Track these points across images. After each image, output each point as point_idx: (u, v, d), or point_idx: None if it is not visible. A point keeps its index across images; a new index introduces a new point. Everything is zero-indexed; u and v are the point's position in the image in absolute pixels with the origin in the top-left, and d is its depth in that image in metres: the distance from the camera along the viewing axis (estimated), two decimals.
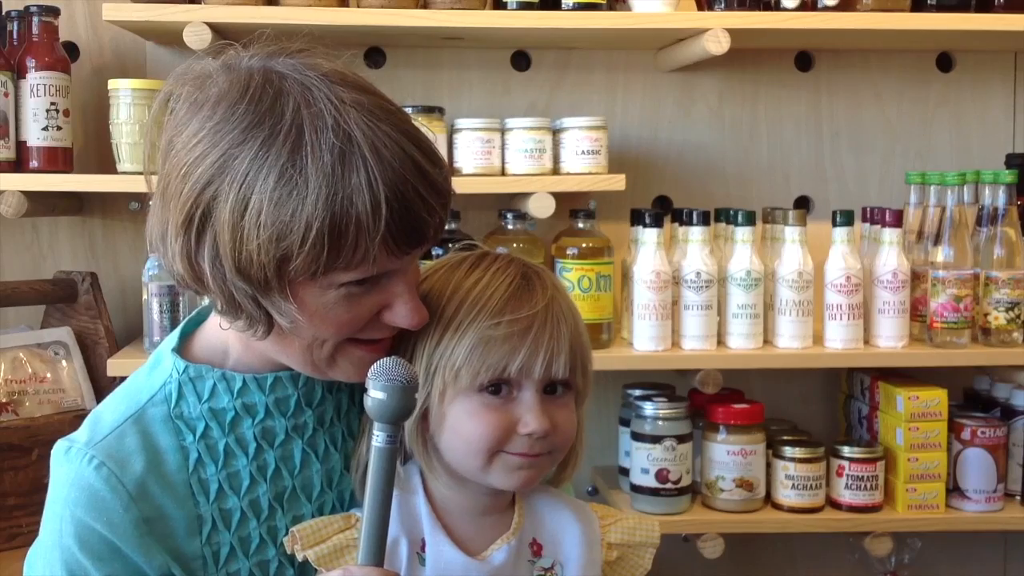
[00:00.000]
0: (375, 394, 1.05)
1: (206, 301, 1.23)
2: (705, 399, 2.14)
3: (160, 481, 1.15)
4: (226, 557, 1.17)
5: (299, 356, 1.14)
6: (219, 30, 1.96)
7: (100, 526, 1.12)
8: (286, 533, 1.18)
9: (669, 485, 2.08)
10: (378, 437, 1.06)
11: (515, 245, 2.14)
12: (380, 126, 1.06)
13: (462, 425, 1.15)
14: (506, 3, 2.08)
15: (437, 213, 1.10)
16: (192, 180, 1.05)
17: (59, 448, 1.17)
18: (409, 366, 1.08)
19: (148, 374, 1.21)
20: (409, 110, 2.01)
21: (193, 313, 1.27)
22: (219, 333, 1.19)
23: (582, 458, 1.26)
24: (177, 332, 1.23)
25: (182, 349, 1.22)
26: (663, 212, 2.17)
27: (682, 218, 2.15)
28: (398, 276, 1.12)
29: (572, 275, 2.11)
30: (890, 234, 2.11)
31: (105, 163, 2.15)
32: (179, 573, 1.15)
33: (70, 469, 1.14)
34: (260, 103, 1.05)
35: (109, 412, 1.19)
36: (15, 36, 2.07)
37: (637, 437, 2.10)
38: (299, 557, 1.16)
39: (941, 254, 2.12)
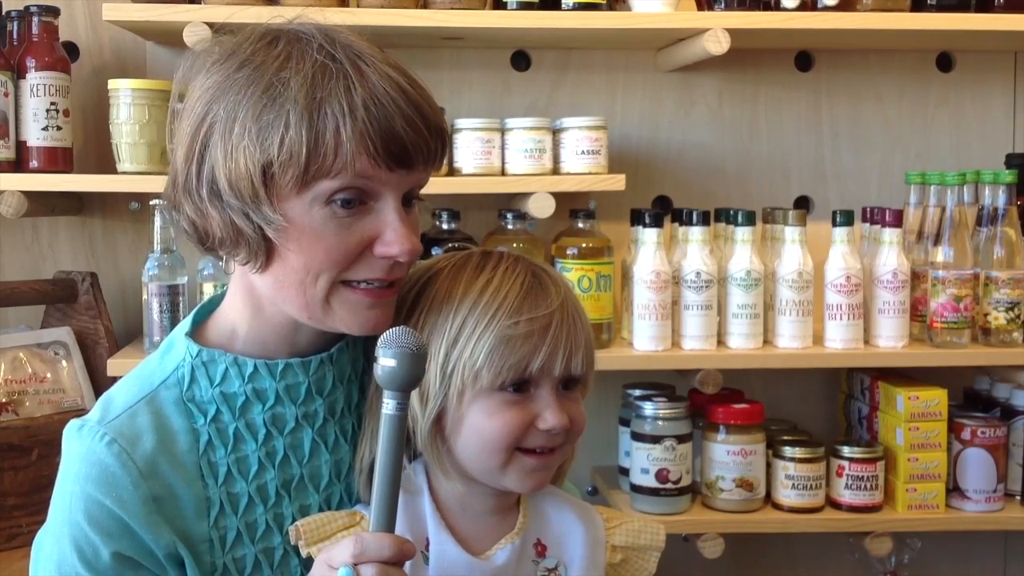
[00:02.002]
0: (385, 362, 1.06)
1: (207, 297, 1.24)
2: (705, 399, 2.14)
3: (170, 460, 1.16)
4: (232, 542, 1.18)
5: (295, 297, 1.14)
6: (219, 30, 1.96)
7: (110, 502, 1.13)
8: (293, 521, 1.18)
9: (669, 485, 2.08)
10: (388, 405, 1.06)
11: (515, 245, 2.14)
12: (365, 53, 1.12)
13: (482, 424, 1.15)
14: (506, 3, 2.08)
15: (419, 131, 1.11)
16: (194, 116, 1.12)
17: (71, 427, 1.18)
18: (418, 334, 1.09)
19: (161, 358, 1.22)
20: None
21: (206, 300, 1.28)
22: (230, 315, 1.21)
23: (576, 455, 1.27)
24: (190, 317, 1.25)
25: (195, 334, 1.23)
26: (663, 212, 2.17)
27: (682, 218, 2.15)
28: (387, 203, 1.13)
29: (572, 275, 2.11)
30: (890, 234, 2.11)
31: (105, 163, 2.15)
32: (186, 554, 1.15)
33: (82, 445, 1.16)
34: (255, 45, 1.12)
35: (122, 394, 1.20)
36: (15, 36, 2.07)
37: (637, 437, 2.10)
38: (303, 553, 1.17)
39: (941, 254, 2.12)
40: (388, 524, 1.07)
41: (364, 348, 1.27)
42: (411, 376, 1.06)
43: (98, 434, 1.15)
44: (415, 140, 1.11)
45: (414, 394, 1.16)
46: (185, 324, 1.24)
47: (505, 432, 1.15)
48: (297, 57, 1.10)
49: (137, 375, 1.22)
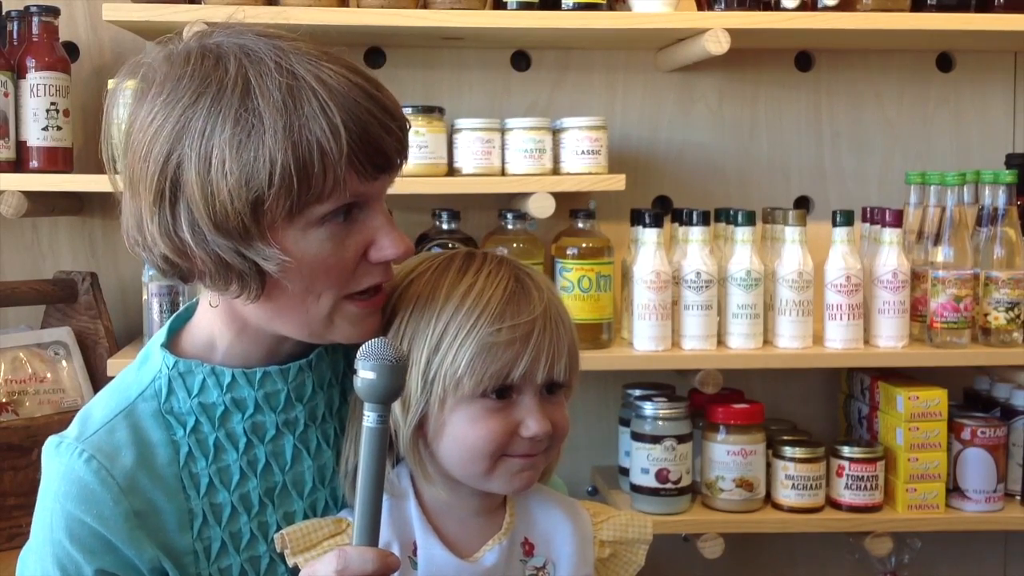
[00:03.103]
0: (365, 374, 1.05)
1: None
2: (705, 399, 2.14)
3: (150, 474, 1.15)
4: (217, 552, 1.17)
5: (295, 318, 1.14)
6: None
7: (91, 519, 1.12)
8: (277, 529, 1.18)
9: (669, 485, 2.08)
10: (369, 417, 1.05)
11: (515, 245, 2.14)
12: (321, 62, 1.09)
13: (465, 432, 1.14)
14: (506, 3, 2.08)
15: (394, 133, 1.11)
16: (154, 155, 1.07)
17: (49, 444, 1.17)
18: (398, 346, 1.08)
19: (137, 370, 1.21)
20: (409, 110, 2.02)
21: (181, 309, 1.27)
22: (207, 327, 1.20)
23: (562, 454, 1.26)
24: (165, 328, 1.24)
25: (171, 345, 1.22)
26: (663, 212, 2.17)
27: (682, 218, 2.15)
28: (373, 209, 1.13)
29: (572, 275, 2.11)
30: (890, 234, 2.11)
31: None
32: (170, 567, 1.15)
33: (60, 463, 1.15)
34: (203, 68, 1.08)
35: (99, 408, 1.19)
36: (15, 36, 2.07)
37: (637, 437, 2.10)
38: (289, 562, 1.16)
39: (941, 254, 2.11)
40: (371, 537, 1.06)
41: (344, 351, 1.26)
42: (391, 388, 1.05)
43: (76, 451, 1.14)
44: (392, 144, 1.11)
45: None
46: (160, 335, 1.23)
47: (488, 440, 1.14)
48: (257, 81, 1.06)
49: (114, 388, 1.21)
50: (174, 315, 1.26)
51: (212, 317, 1.19)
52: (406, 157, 1.15)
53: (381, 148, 1.09)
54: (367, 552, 1.04)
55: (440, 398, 1.14)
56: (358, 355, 1.06)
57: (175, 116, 1.06)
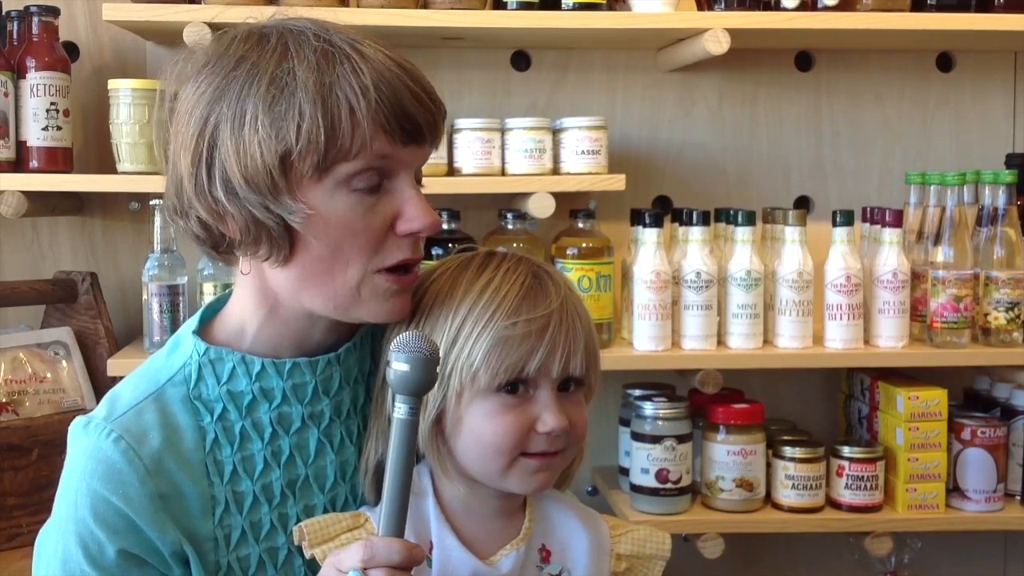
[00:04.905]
0: (398, 366, 1.06)
1: (207, 299, 1.24)
2: (705, 399, 2.14)
3: (177, 458, 1.16)
4: (237, 541, 1.18)
5: (323, 287, 1.15)
6: (219, 30, 1.96)
7: (116, 499, 1.13)
8: (297, 521, 1.19)
9: (669, 485, 2.08)
10: (400, 409, 1.07)
11: (515, 245, 2.14)
12: (358, 38, 1.13)
13: (482, 427, 1.15)
14: (506, 3, 2.08)
15: (426, 106, 1.14)
16: (194, 118, 1.11)
17: (77, 424, 1.18)
18: (431, 339, 1.09)
19: (167, 356, 1.22)
20: None
21: (213, 299, 1.29)
22: (239, 313, 1.21)
23: (584, 457, 1.27)
24: (197, 315, 1.25)
25: (202, 332, 1.23)
26: (663, 212, 2.17)
27: (682, 218, 2.15)
28: (403, 178, 1.15)
29: (572, 275, 2.11)
30: (890, 234, 2.11)
31: (105, 163, 2.15)
32: (191, 553, 1.15)
33: (88, 442, 1.15)
34: (247, 43, 1.13)
35: (128, 391, 1.20)
36: (15, 36, 2.07)
37: (637, 437, 2.10)
38: (306, 554, 1.16)
39: (941, 254, 2.12)
40: (398, 528, 1.07)
41: (371, 349, 1.27)
42: (424, 381, 1.07)
43: (104, 431, 1.15)
44: (424, 115, 1.14)
45: None
46: (192, 322, 1.24)
47: (504, 435, 1.14)
48: (295, 47, 1.10)
49: (143, 372, 1.22)
50: (206, 304, 1.28)
51: (244, 301, 1.20)
52: (438, 137, 1.18)
53: (410, 114, 1.12)
54: (394, 543, 1.05)
55: (457, 392, 1.15)
56: (392, 347, 1.07)
57: (216, 82, 1.11)
